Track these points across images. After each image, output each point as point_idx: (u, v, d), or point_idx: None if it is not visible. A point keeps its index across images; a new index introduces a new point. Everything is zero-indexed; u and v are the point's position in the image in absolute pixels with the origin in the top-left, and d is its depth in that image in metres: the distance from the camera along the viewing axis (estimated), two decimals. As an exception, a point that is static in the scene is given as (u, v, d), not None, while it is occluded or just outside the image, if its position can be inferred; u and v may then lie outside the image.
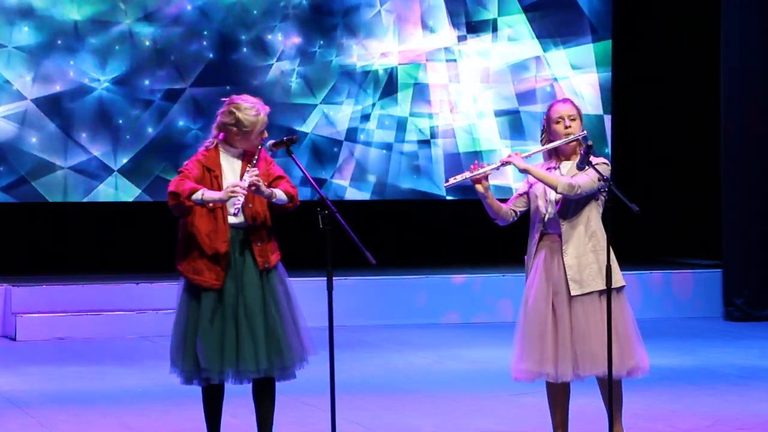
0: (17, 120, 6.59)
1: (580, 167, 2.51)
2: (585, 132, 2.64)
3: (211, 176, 2.44)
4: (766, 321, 6.30)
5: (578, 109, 2.65)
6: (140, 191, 6.83)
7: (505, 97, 7.57)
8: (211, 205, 2.37)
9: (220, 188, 2.39)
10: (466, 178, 2.61)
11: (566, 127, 2.57)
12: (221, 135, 2.48)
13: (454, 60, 7.49)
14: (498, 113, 7.54)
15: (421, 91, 7.42)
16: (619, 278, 2.54)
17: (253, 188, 2.35)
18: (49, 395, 3.96)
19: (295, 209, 2.55)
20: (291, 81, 7.18)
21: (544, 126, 2.68)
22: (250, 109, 2.44)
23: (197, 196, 2.32)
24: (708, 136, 7.22)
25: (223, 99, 2.54)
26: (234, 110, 2.43)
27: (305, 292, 2.82)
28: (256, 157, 2.44)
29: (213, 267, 2.40)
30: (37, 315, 5.73)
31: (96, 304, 5.90)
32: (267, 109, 2.51)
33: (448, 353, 5.12)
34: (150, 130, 6.86)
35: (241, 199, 2.31)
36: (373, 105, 7.34)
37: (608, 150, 7.52)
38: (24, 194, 6.65)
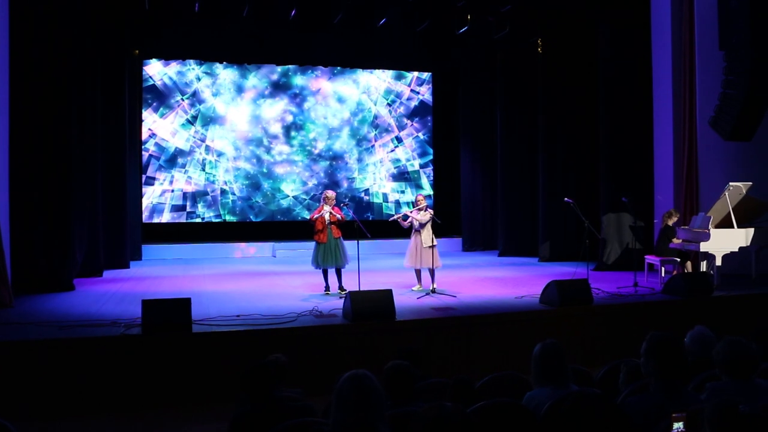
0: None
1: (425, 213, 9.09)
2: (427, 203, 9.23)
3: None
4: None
5: (423, 197, 9.30)
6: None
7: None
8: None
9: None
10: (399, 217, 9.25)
11: (419, 201, 9.17)
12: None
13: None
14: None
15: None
16: (434, 240, 9.05)
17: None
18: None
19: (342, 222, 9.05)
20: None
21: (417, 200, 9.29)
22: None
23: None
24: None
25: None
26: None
27: (349, 246, 9.20)
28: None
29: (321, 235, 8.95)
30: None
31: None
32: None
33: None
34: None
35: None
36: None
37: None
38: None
